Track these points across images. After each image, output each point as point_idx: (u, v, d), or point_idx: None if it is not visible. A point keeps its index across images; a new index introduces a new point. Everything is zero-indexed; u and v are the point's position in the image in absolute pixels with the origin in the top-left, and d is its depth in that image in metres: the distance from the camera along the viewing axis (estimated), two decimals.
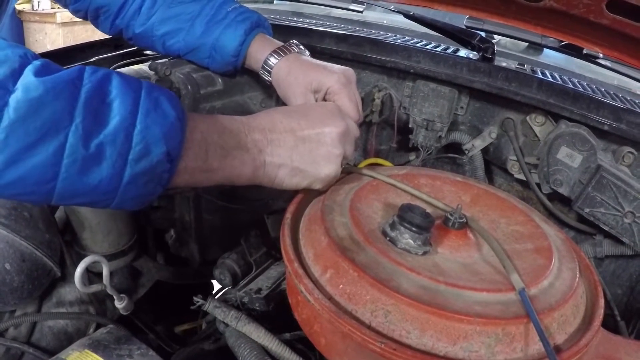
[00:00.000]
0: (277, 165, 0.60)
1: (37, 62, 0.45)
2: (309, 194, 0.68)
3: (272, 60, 0.77)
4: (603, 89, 1.01)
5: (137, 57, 1.05)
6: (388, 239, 0.57)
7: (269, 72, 0.79)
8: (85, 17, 0.92)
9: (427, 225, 0.56)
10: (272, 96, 0.92)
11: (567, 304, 0.55)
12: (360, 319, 0.49)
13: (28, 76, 0.43)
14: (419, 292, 0.50)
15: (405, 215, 0.56)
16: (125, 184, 0.47)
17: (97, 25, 0.93)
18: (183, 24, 0.82)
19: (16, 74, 0.42)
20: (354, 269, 0.52)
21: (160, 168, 0.48)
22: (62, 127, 0.43)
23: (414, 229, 0.55)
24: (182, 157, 0.51)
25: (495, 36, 1.14)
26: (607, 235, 0.88)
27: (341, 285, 0.52)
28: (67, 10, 0.93)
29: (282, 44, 0.79)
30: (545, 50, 1.15)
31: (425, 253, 0.56)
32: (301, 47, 0.80)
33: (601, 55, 1.05)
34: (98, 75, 0.47)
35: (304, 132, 0.61)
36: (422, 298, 0.49)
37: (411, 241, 0.56)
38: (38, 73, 0.43)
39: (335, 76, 0.72)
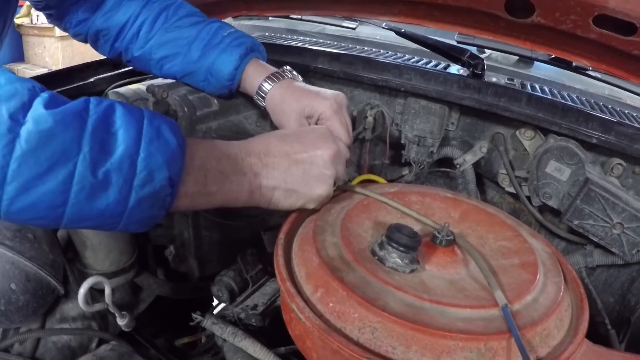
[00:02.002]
0: (272, 187, 0.63)
1: (45, 95, 0.48)
2: (303, 213, 0.70)
3: (266, 87, 0.80)
4: (593, 101, 1.03)
5: (135, 77, 1.08)
6: (377, 258, 0.59)
7: (263, 98, 0.81)
8: (85, 40, 0.96)
9: (414, 245, 0.58)
10: (267, 116, 0.94)
11: (550, 318, 0.57)
12: (349, 336, 0.52)
13: (38, 109, 0.46)
14: (404, 309, 0.52)
15: (393, 235, 0.58)
16: (131, 208, 0.50)
17: (96, 48, 0.96)
18: (180, 49, 0.85)
19: (26, 107, 0.45)
20: (343, 289, 0.54)
21: (163, 192, 0.51)
22: (71, 157, 0.46)
23: (401, 248, 0.58)
24: (183, 182, 0.54)
25: (486, 50, 1.17)
26: (598, 245, 0.89)
27: (331, 304, 0.54)
28: None
29: (275, 70, 0.82)
30: (536, 63, 1.17)
31: (412, 271, 0.58)
32: (294, 72, 0.83)
33: (590, 68, 1.07)
34: (102, 106, 0.50)
35: (297, 155, 0.64)
36: (407, 315, 0.51)
37: (399, 260, 0.58)
38: (47, 105, 0.46)
39: (327, 102, 0.75)
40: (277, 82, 0.80)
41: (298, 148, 0.64)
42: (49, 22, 0.96)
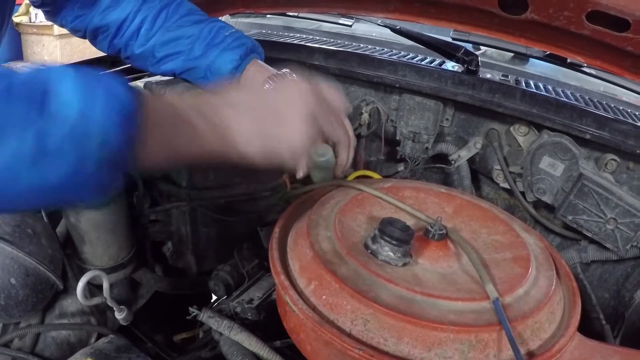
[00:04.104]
0: (239, 130, 0.55)
1: None
2: (298, 208, 0.71)
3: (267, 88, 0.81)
4: (587, 97, 1.03)
5: (133, 74, 1.08)
6: (369, 251, 0.60)
7: None
8: (84, 36, 0.96)
9: (406, 238, 0.58)
10: None
11: (542, 311, 0.58)
12: (341, 328, 0.53)
13: None
14: (396, 301, 0.53)
15: (385, 229, 0.59)
16: (90, 174, 0.46)
17: (95, 45, 0.96)
18: (183, 47, 0.86)
19: None
20: (336, 281, 0.55)
21: (123, 154, 0.47)
22: (19, 129, 0.42)
23: (393, 242, 0.58)
24: (143, 139, 0.48)
25: (482, 47, 1.17)
26: (592, 241, 0.90)
27: (324, 296, 0.55)
28: None
29: (275, 71, 0.83)
30: (531, 59, 1.17)
31: (405, 264, 0.59)
32: (293, 75, 0.83)
33: (585, 64, 1.08)
34: (52, 72, 0.46)
35: (269, 96, 0.59)
36: (398, 307, 0.52)
37: (391, 253, 0.59)
38: None
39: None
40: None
41: (271, 92, 0.61)
42: (47, 19, 0.96)
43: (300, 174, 0.67)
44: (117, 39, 0.90)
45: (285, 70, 0.83)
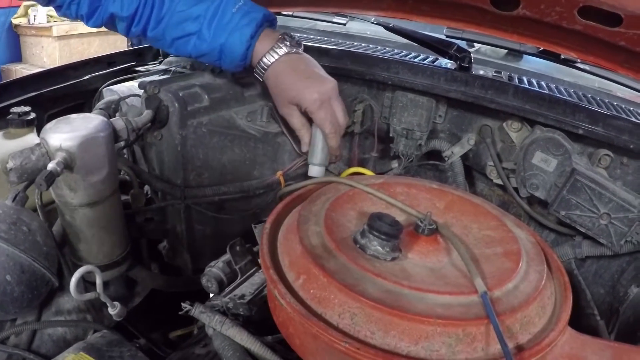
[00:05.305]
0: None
1: None
2: (290, 204, 0.72)
3: (266, 62, 0.85)
4: (582, 93, 1.04)
5: (129, 74, 1.09)
6: (358, 246, 0.60)
7: (262, 74, 0.86)
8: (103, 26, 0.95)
9: (394, 233, 0.59)
10: (257, 110, 0.96)
11: (531, 305, 0.58)
12: (329, 321, 0.53)
13: None
14: (383, 295, 0.53)
15: (374, 223, 0.59)
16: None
17: (115, 31, 0.95)
18: (192, 29, 0.86)
19: None
20: (324, 275, 0.55)
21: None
22: None
23: (382, 236, 0.59)
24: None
25: (475, 44, 1.17)
26: (587, 236, 0.90)
27: (312, 290, 0.55)
28: (63, 24, 0.95)
29: (273, 45, 0.85)
30: (525, 56, 1.17)
31: (393, 259, 0.60)
32: (299, 43, 0.87)
33: (578, 60, 1.08)
34: None
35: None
36: (385, 301, 0.52)
37: (380, 248, 0.59)
38: None
39: (311, 98, 0.82)
40: (275, 61, 0.85)
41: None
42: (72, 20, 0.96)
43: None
44: (134, 26, 0.89)
45: (285, 40, 0.86)
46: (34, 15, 4.07)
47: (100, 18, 0.89)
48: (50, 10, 4.09)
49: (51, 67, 1.16)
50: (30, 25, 4.11)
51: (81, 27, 4.08)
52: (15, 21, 4.12)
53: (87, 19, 0.90)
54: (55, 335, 0.84)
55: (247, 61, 0.87)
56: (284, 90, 0.85)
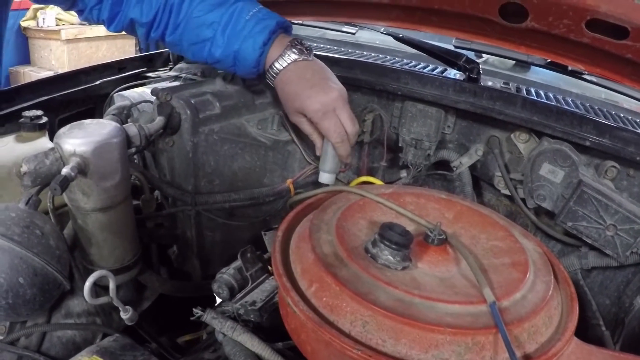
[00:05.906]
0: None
1: None
2: (300, 213, 0.73)
3: (276, 69, 0.86)
4: (588, 105, 1.04)
5: (140, 80, 1.10)
6: (370, 255, 0.61)
7: (273, 80, 0.88)
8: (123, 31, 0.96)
9: (405, 243, 0.60)
10: (268, 118, 0.97)
11: (539, 315, 0.59)
12: (341, 329, 0.54)
13: None
14: (395, 304, 0.54)
15: (385, 233, 0.60)
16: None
17: (136, 37, 0.98)
18: (206, 36, 0.87)
19: None
20: (336, 284, 0.56)
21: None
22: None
23: (393, 246, 0.60)
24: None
25: (483, 55, 1.19)
26: (593, 247, 0.91)
27: (324, 298, 0.56)
28: (72, 27, 0.97)
29: (281, 52, 0.86)
30: (533, 67, 1.19)
31: (404, 268, 0.60)
32: (309, 49, 0.88)
33: (585, 72, 1.09)
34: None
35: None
36: (397, 310, 0.53)
37: (391, 257, 0.60)
38: None
39: (313, 109, 0.84)
40: (284, 69, 0.86)
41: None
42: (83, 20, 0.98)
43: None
44: (152, 31, 0.91)
45: (294, 48, 0.86)
46: (43, 18, 4.10)
47: (120, 23, 0.91)
48: (59, 13, 4.13)
49: (59, 70, 1.18)
50: (39, 28, 4.15)
51: (89, 30, 4.12)
52: (24, 24, 4.15)
53: (108, 24, 0.92)
54: (65, 337, 0.85)
55: (260, 68, 0.88)
56: (290, 100, 0.87)
